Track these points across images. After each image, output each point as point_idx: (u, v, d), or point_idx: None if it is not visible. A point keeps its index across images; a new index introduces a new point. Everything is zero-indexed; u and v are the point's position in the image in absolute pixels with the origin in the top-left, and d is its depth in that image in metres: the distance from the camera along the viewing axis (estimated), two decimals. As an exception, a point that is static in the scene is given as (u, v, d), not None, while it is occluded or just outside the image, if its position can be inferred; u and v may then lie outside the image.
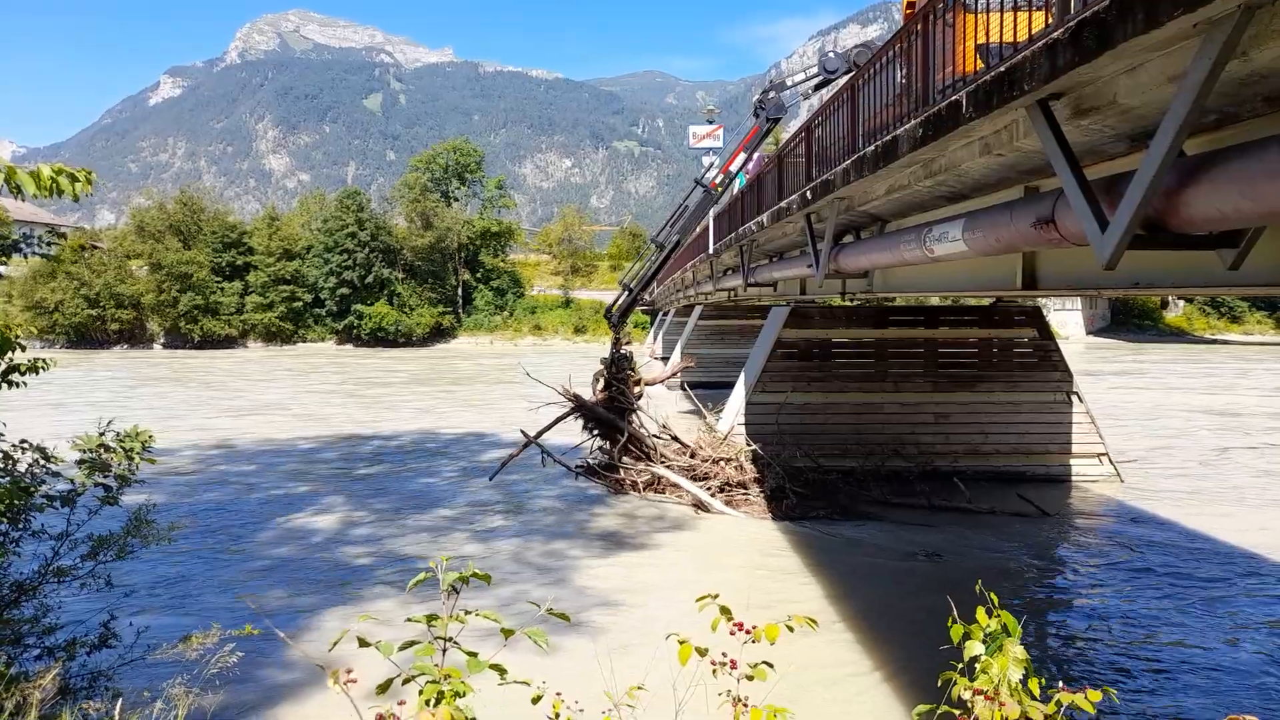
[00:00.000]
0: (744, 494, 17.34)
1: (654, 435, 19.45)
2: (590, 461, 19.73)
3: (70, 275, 74.04)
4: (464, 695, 2.44)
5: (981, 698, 2.42)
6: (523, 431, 19.44)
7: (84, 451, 7.03)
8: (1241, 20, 3.56)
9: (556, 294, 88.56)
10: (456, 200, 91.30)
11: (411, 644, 2.53)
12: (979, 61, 6.15)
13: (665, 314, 58.35)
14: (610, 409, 19.60)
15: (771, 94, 20.14)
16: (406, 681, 2.45)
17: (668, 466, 18.29)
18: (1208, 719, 8.38)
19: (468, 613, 2.61)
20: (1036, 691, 2.48)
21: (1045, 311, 21.77)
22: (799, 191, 12.38)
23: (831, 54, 18.91)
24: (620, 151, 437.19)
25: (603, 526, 15.91)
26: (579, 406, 19.48)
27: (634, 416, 19.59)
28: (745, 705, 2.62)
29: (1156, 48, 4.11)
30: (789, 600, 11.58)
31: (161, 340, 78.01)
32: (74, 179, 4.03)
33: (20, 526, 6.75)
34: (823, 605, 11.53)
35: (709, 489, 17.40)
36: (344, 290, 79.41)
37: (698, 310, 42.60)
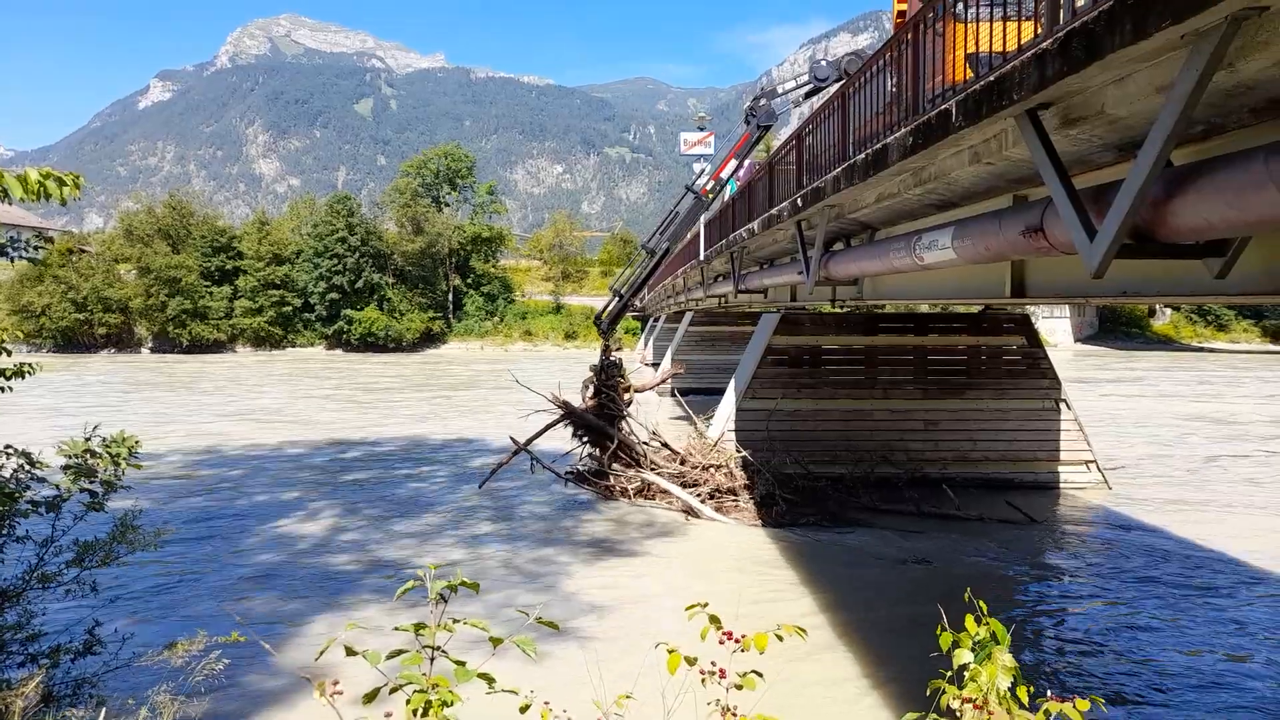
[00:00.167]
0: (734, 500, 17.34)
1: (644, 442, 19.44)
2: (580, 468, 19.71)
3: (58, 279, 73.63)
4: (452, 704, 2.42)
5: (970, 706, 2.42)
6: (512, 438, 19.39)
7: (70, 457, 6.98)
8: (1228, 32, 3.59)
9: (547, 300, 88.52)
10: (447, 205, 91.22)
11: (399, 652, 2.51)
12: (969, 71, 6.18)
13: (656, 320, 58.39)
14: (600, 416, 19.58)
15: (762, 101, 20.23)
16: (394, 690, 2.43)
17: (658, 473, 18.28)
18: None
19: (456, 621, 2.60)
20: (1025, 699, 2.48)
21: (1034, 319, 21.89)
22: (790, 199, 12.41)
23: (822, 62, 19.01)
24: (611, 158, 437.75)
25: (592, 533, 15.88)
26: (569, 414, 19.45)
27: (624, 423, 19.58)
28: (734, 714, 2.61)
29: (1144, 59, 4.14)
30: (778, 607, 11.58)
31: (149, 345, 77.60)
32: (62, 182, 4.01)
33: (4, 532, 6.70)
34: (812, 612, 11.53)
35: (699, 495, 17.39)
36: (334, 295, 79.16)
37: (688, 316, 42.64)
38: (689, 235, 28.22)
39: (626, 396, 20.14)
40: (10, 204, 4.13)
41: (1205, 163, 4.50)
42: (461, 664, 2.44)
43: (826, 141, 10.82)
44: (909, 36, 7.44)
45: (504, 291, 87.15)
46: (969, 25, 6.32)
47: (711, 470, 18.11)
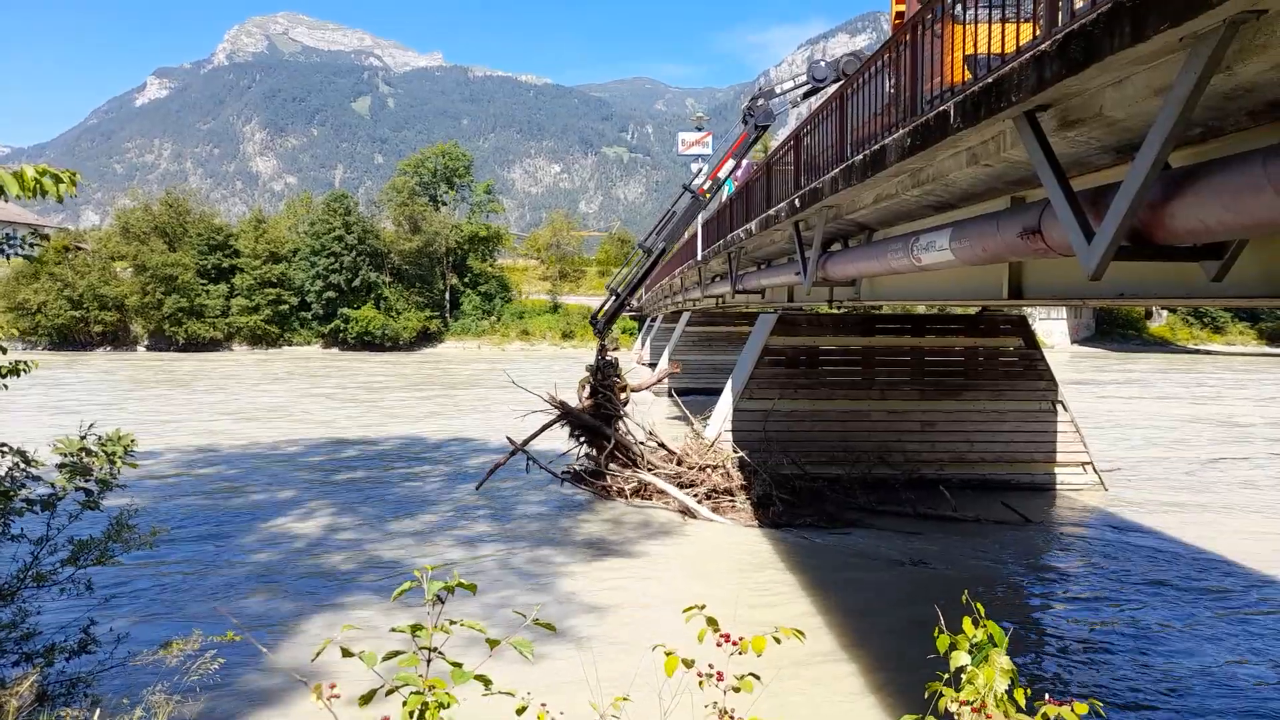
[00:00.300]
0: (731, 501, 17.34)
1: (641, 442, 19.43)
2: (577, 468, 19.70)
3: (54, 276, 73.36)
4: (448, 706, 2.42)
5: (968, 709, 2.42)
6: (509, 438, 19.38)
7: (65, 455, 6.96)
8: (1226, 35, 3.59)
9: (544, 299, 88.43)
10: (445, 204, 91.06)
11: (395, 654, 2.50)
12: (967, 72, 6.18)
13: (653, 320, 58.38)
14: (596, 416, 19.57)
15: (760, 101, 20.22)
16: (390, 692, 2.42)
17: (654, 473, 18.27)
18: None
19: (453, 622, 2.59)
20: (1022, 702, 2.48)
21: (1030, 321, 21.92)
22: (787, 199, 12.41)
23: (820, 63, 19.00)
24: (609, 157, 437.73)
25: (589, 533, 15.87)
26: (565, 414, 19.44)
27: (620, 423, 19.57)
28: (731, 717, 2.61)
29: (1143, 61, 4.15)
30: (776, 609, 11.58)
31: (145, 343, 77.38)
32: (58, 180, 3.99)
33: (-1, 531, 6.68)
34: (809, 613, 11.53)
35: (696, 496, 17.39)
36: (330, 294, 79.00)
37: (685, 317, 42.65)
38: (686, 235, 28.23)
39: (623, 396, 20.13)
40: (6, 201, 4.11)
41: (1203, 165, 4.51)
42: (458, 665, 2.44)
43: (825, 142, 10.82)
44: (907, 38, 7.45)
45: (501, 291, 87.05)
46: (967, 27, 6.32)
47: (708, 471, 18.10)
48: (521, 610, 3.00)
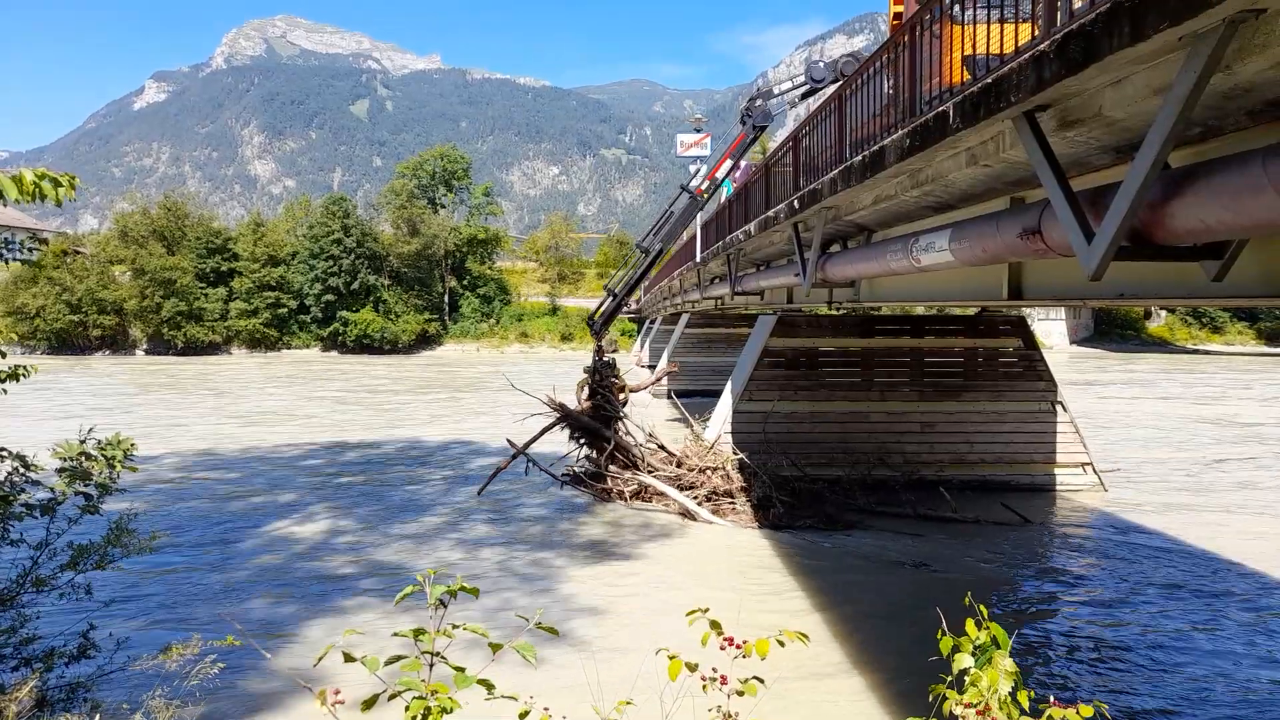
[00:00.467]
0: (731, 503, 17.32)
1: (640, 444, 19.42)
2: (577, 470, 19.68)
3: (52, 281, 73.34)
4: (451, 711, 2.41)
5: (972, 712, 2.41)
6: (510, 442, 19.36)
7: (64, 459, 6.94)
8: (1226, 34, 3.59)
9: (543, 301, 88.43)
10: (443, 207, 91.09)
11: (398, 658, 2.49)
12: (965, 73, 6.18)
13: (652, 322, 58.38)
14: (595, 417, 19.56)
15: (758, 102, 20.23)
16: (392, 697, 2.41)
17: (654, 475, 18.25)
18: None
19: (455, 626, 2.58)
20: (1026, 704, 2.47)
21: (1030, 321, 21.92)
22: (786, 201, 12.41)
23: (819, 63, 19.02)
24: (608, 159, 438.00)
25: (589, 536, 15.86)
26: (564, 416, 19.42)
27: (620, 425, 19.55)
28: (734, 720, 2.60)
29: (1142, 61, 4.14)
30: (776, 611, 11.56)
31: (144, 347, 77.36)
32: (57, 183, 3.98)
33: (-1, 535, 6.66)
34: (810, 615, 11.52)
35: (696, 498, 17.38)
36: (329, 297, 78.99)
37: (684, 318, 42.63)
38: (685, 236, 28.23)
39: (622, 397, 20.12)
40: (5, 205, 4.10)
41: (1203, 165, 4.50)
42: (461, 670, 2.43)
43: (823, 143, 10.82)
44: (906, 38, 7.44)
45: (500, 293, 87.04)
46: (965, 27, 6.31)
47: (708, 473, 18.08)
48: (523, 614, 2.99)
